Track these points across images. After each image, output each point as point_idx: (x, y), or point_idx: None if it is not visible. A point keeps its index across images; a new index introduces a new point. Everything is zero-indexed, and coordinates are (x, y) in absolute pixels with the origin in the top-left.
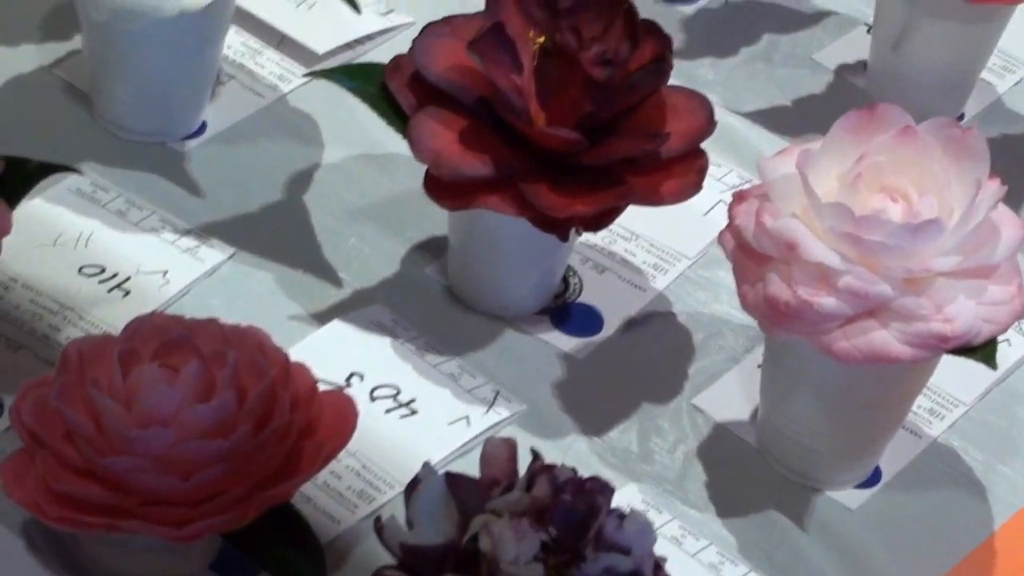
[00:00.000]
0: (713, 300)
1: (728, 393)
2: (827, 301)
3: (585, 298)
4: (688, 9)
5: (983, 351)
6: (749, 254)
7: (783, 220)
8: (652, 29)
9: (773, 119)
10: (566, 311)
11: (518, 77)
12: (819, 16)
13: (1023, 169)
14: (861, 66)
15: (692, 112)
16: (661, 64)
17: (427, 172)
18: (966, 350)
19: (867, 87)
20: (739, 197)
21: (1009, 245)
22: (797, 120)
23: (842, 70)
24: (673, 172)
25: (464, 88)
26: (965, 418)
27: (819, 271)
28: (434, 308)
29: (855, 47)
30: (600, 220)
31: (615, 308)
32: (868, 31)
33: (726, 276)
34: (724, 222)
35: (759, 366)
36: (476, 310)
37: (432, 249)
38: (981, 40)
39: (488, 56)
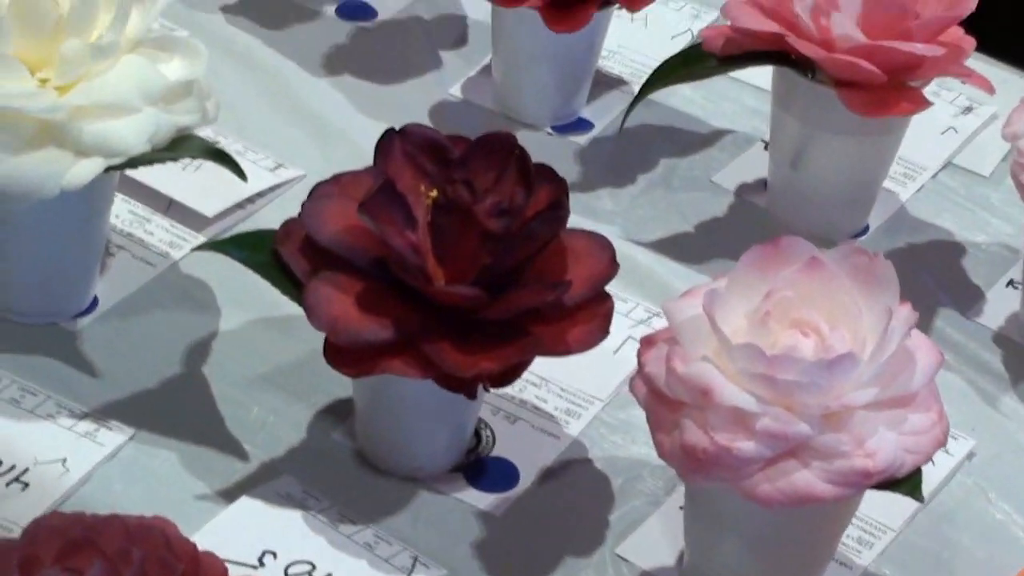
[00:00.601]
0: (630, 442)
1: (652, 539)
2: (746, 445)
3: (499, 451)
4: (582, 139)
5: (908, 483)
6: (662, 401)
7: (695, 365)
8: (546, 174)
9: (676, 247)
10: (480, 466)
11: (412, 234)
12: (715, 136)
13: (933, 276)
14: (761, 185)
15: (593, 255)
16: (558, 210)
17: (326, 340)
18: (890, 483)
19: (768, 206)
20: (647, 342)
21: (926, 371)
22: (701, 246)
23: (742, 190)
24: (578, 319)
25: (358, 250)
26: (894, 544)
27: (735, 415)
28: (345, 474)
29: (753, 166)
30: (507, 376)
31: (530, 459)
32: (765, 148)
33: (640, 415)
34: (634, 360)
35: (681, 508)
36: (388, 473)
37: (339, 412)
38: (880, 152)
39: (380, 216)
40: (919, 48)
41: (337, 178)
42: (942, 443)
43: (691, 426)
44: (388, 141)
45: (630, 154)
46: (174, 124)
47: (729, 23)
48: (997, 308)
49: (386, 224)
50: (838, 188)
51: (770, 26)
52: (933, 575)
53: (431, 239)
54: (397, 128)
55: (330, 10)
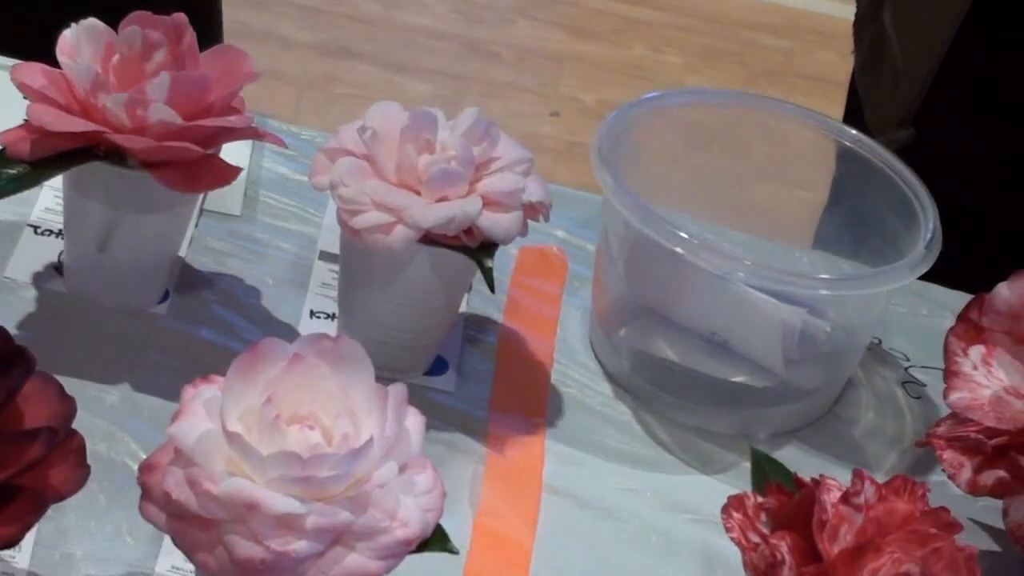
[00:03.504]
0: None
1: None
2: (300, 545)
3: None
4: None
5: (438, 541)
6: (193, 522)
7: (229, 483)
8: None
9: None
10: None
11: None
12: None
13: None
14: (54, 270)
15: (43, 393)
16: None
17: None
18: (424, 545)
19: (70, 289)
20: (150, 468)
21: (418, 434)
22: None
23: (38, 279)
24: (55, 461)
25: None
26: None
27: (282, 520)
28: None
29: (36, 252)
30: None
31: None
32: (37, 232)
33: None
34: None
35: None
36: None
37: None
38: (184, 222)
39: None
40: (231, 121)
41: None
42: (444, 494)
43: (239, 540)
44: None
45: None
46: None
47: (37, 127)
48: None
49: None
50: (145, 263)
51: (86, 126)
52: None
53: None
54: None
55: None
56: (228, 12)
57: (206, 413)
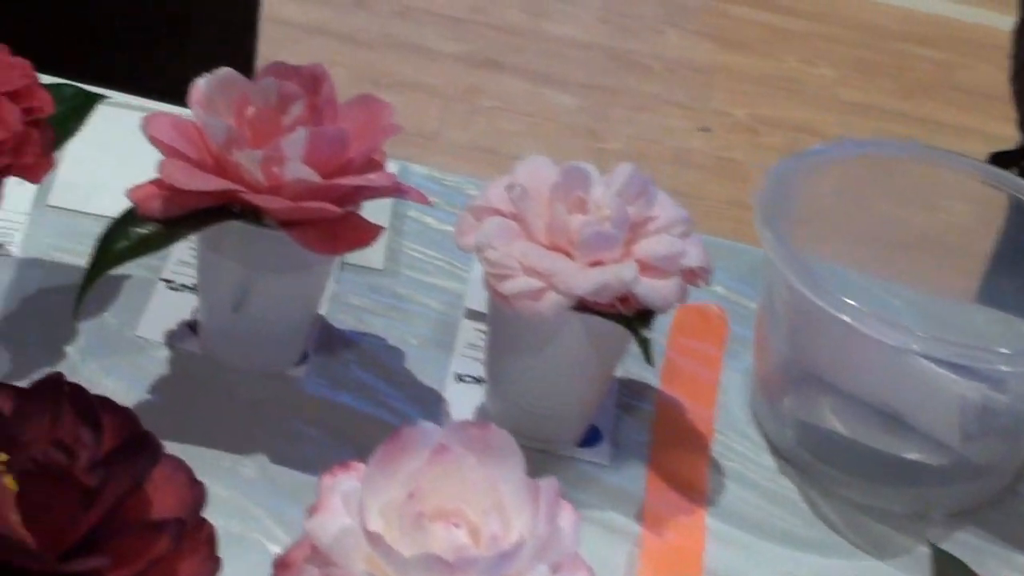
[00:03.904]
0: None
1: None
2: None
3: None
4: None
5: None
6: None
7: None
8: (107, 405)
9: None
10: None
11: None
12: (112, 281)
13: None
14: (187, 329)
15: (172, 479)
16: (143, 445)
17: None
18: None
19: (205, 350)
20: (284, 566)
21: (572, 531)
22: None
23: (171, 338)
24: (184, 553)
25: None
26: None
27: None
28: None
29: (171, 310)
30: None
31: None
32: (171, 288)
33: None
34: None
35: None
36: None
37: None
38: (320, 281)
39: None
40: (372, 179)
41: None
42: None
43: None
44: None
45: (34, 327)
46: None
47: (167, 184)
48: (458, 404)
49: None
50: (281, 323)
51: (219, 184)
52: None
53: (22, 512)
54: None
55: None
56: (374, 23)
57: (344, 507)
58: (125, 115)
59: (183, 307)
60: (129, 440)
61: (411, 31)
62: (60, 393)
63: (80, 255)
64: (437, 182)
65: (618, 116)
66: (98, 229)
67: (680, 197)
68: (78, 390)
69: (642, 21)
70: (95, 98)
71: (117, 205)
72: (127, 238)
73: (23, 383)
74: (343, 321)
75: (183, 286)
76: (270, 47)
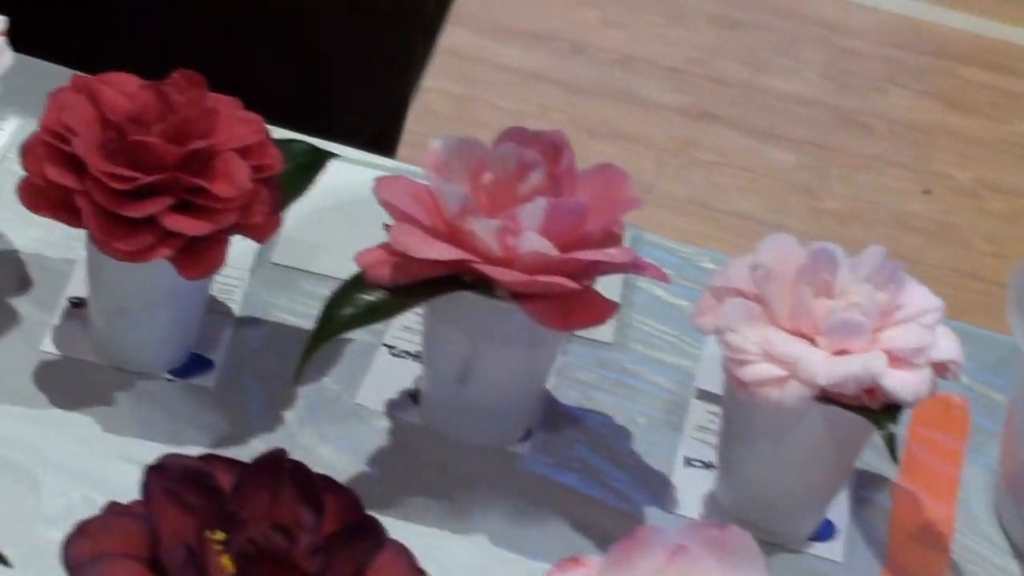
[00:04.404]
0: None
1: None
2: None
3: None
4: (208, 381)
5: None
6: None
7: None
8: (329, 486)
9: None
10: None
11: None
12: (335, 346)
13: (604, 458)
14: (408, 398)
15: (395, 565)
16: (366, 527)
17: None
18: None
19: (426, 422)
20: None
21: None
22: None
23: (391, 407)
24: None
25: None
26: None
27: None
28: None
29: (392, 378)
30: None
31: None
32: (391, 354)
33: None
34: None
35: None
36: None
37: None
38: (550, 356)
39: None
40: (612, 255)
41: (84, 529)
42: None
43: None
44: (147, 482)
45: (256, 389)
46: None
47: (398, 250)
48: (686, 491)
49: None
50: (507, 398)
51: (452, 253)
52: None
53: None
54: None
55: None
56: (592, 71)
57: None
58: (350, 172)
59: (404, 375)
60: (352, 524)
61: (629, 80)
62: (281, 470)
63: (300, 315)
64: (671, 252)
65: (836, 175)
66: (320, 289)
67: (898, 261)
68: (300, 468)
69: (865, 79)
70: (326, 155)
71: (340, 265)
72: (354, 305)
73: (240, 447)
74: (569, 396)
75: (405, 353)
76: (488, 91)
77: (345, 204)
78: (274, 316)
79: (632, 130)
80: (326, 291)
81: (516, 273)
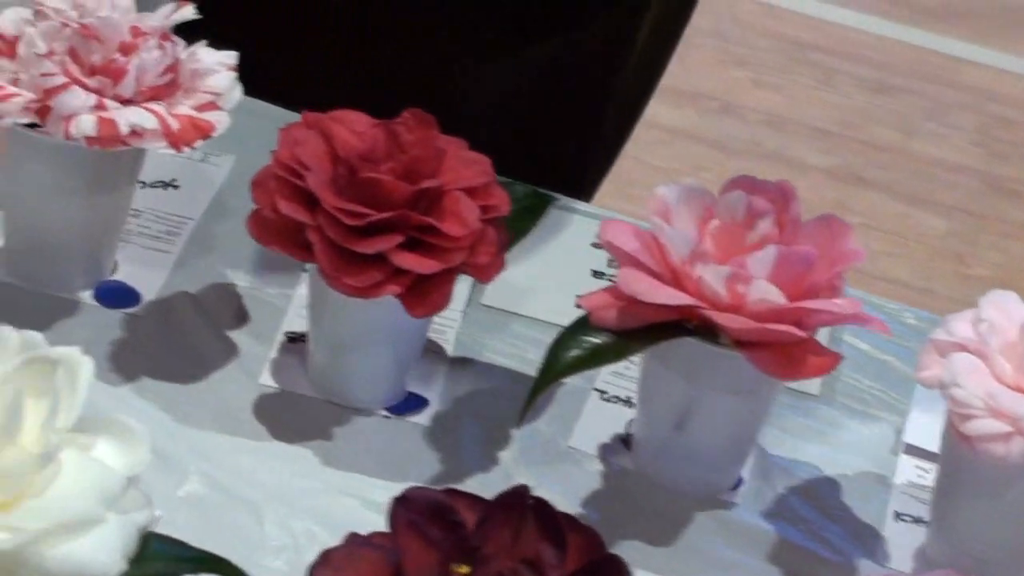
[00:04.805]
0: None
1: None
2: None
3: None
4: (422, 419)
5: None
6: None
7: None
8: (572, 524)
9: None
10: None
11: None
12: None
13: (819, 512)
14: (619, 443)
15: None
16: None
17: None
18: None
19: (639, 467)
20: None
21: None
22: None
23: (604, 451)
24: None
25: None
26: None
27: None
28: None
29: (600, 422)
30: None
31: None
32: (603, 399)
33: None
34: None
35: None
36: None
37: None
38: (764, 405)
39: None
40: (839, 305)
41: (329, 558)
42: None
43: None
44: (393, 514)
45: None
46: (135, 527)
47: (627, 295)
48: (898, 545)
49: None
50: (721, 446)
51: (681, 299)
52: None
53: None
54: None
55: (88, 297)
56: (742, 130)
57: None
58: (560, 217)
59: (615, 419)
60: (595, 562)
61: (779, 141)
62: (524, 507)
63: (511, 356)
64: (876, 308)
65: (987, 242)
66: (530, 331)
67: None
68: (543, 505)
69: (1018, 147)
70: (548, 200)
71: (549, 308)
72: (579, 347)
73: (457, 485)
74: (777, 447)
75: (616, 398)
76: (639, 149)
77: (554, 248)
78: (486, 357)
79: None
80: (536, 334)
81: (746, 320)
